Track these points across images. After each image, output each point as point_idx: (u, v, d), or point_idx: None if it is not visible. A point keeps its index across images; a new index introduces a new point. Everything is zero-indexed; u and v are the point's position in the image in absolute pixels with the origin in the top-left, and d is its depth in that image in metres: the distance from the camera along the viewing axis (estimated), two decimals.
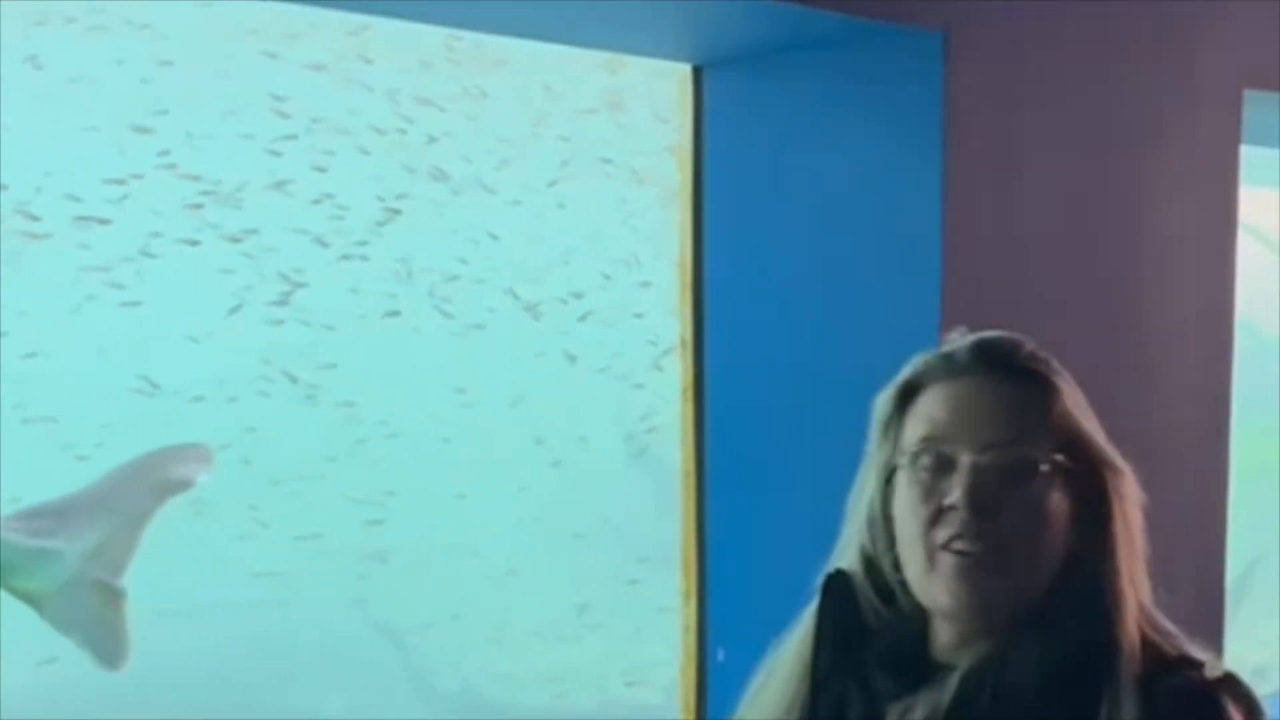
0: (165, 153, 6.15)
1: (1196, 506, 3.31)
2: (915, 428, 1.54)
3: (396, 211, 6.78)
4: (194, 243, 6.26)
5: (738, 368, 3.02)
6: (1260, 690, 1.52)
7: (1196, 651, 1.49)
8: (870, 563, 1.57)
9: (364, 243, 6.71)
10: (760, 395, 2.98)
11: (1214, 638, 3.23)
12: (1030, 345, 1.57)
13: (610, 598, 7.75)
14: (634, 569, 7.44)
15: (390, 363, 6.97)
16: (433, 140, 6.83)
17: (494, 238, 7.10)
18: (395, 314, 6.94)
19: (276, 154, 6.34)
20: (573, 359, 7.40)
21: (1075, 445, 1.51)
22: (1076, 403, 1.53)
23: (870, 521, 1.57)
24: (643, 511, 7.03)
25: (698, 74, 2.98)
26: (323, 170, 6.46)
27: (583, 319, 7.36)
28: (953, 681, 1.50)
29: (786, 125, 2.89)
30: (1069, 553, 1.50)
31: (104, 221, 6.03)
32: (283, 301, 6.55)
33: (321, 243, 6.55)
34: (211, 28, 6.17)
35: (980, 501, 1.49)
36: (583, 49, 2.97)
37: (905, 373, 1.58)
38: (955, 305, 2.63)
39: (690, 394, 3.06)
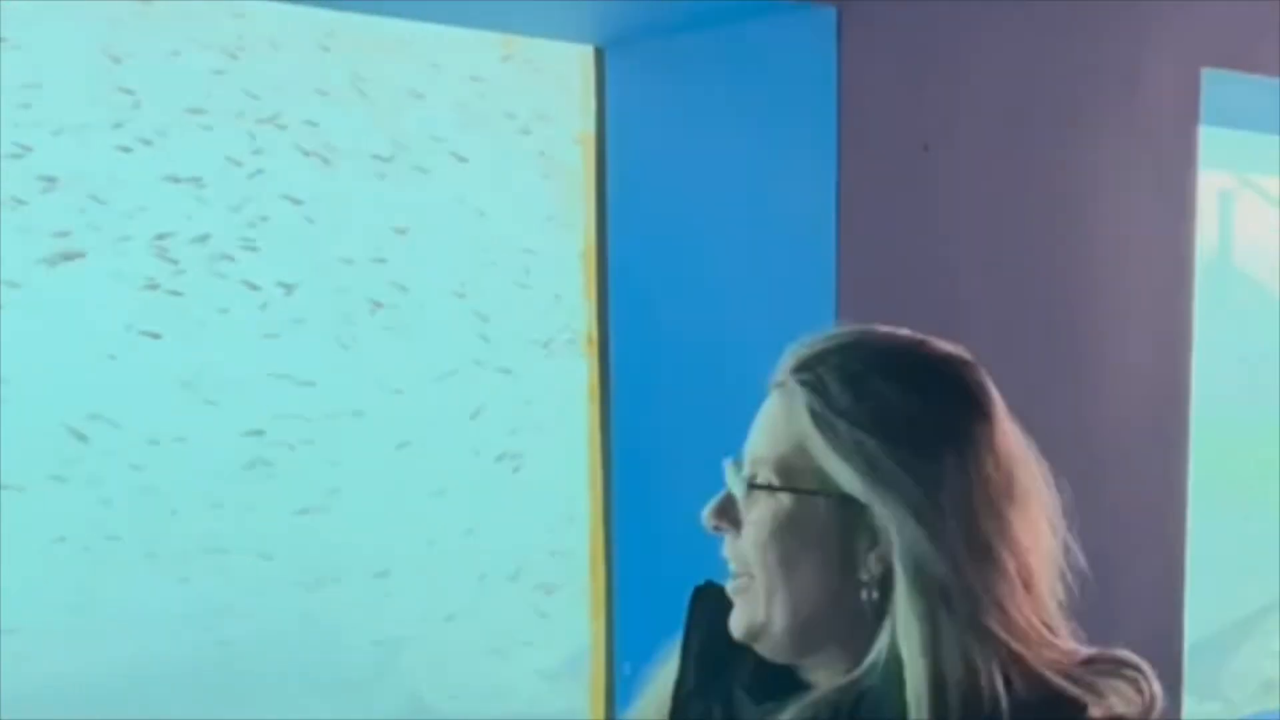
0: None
1: (1150, 520, 3.11)
2: None
3: None
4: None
5: (643, 364, 2.87)
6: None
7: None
8: None
9: None
10: (666, 394, 2.82)
11: (1172, 666, 3.07)
12: (801, 351, 1.40)
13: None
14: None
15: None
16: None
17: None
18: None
19: None
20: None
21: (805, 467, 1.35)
22: (832, 423, 1.35)
23: None
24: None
25: (599, 55, 2.83)
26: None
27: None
28: (807, 705, 1.35)
29: (687, 107, 2.73)
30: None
31: None
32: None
33: None
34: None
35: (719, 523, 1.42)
36: (478, 30, 2.82)
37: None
38: (852, 299, 2.46)
39: (596, 394, 2.92)
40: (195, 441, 7.11)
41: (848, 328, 1.43)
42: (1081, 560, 1.36)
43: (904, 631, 1.29)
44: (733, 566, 1.41)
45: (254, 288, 6.98)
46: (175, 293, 6.87)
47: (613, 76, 2.82)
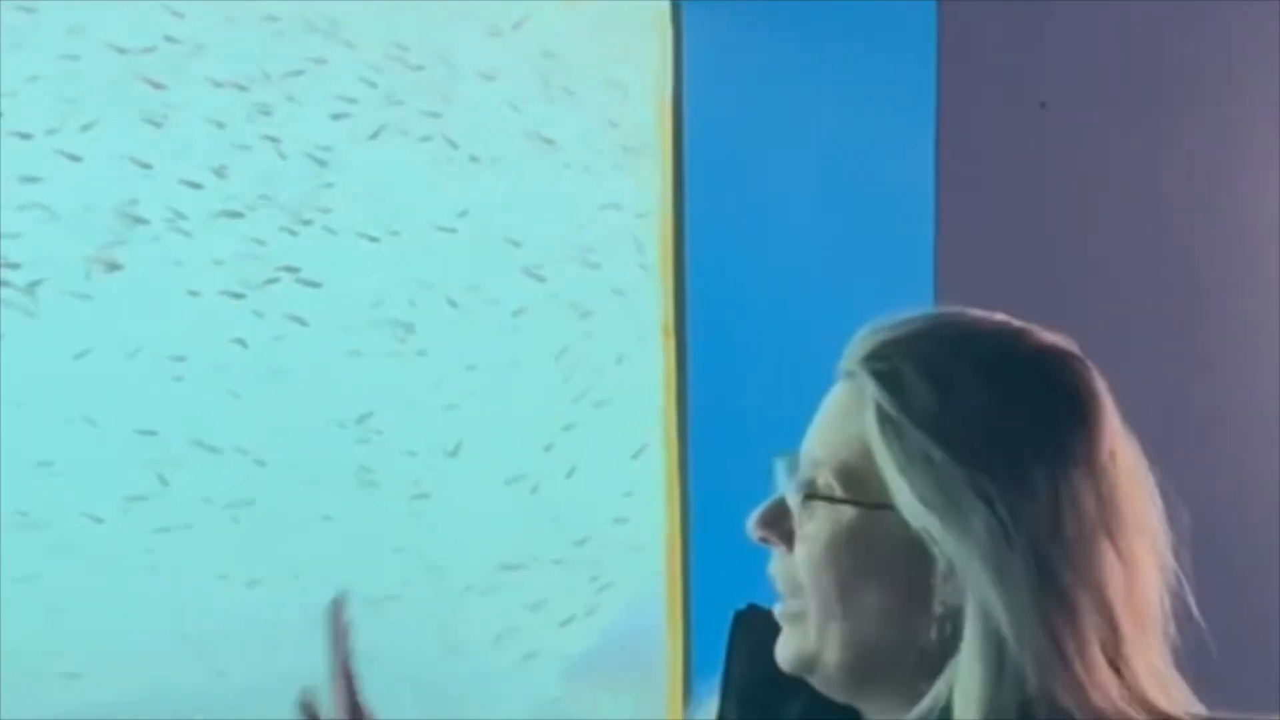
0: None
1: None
2: None
3: None
4: None
5: (723, 355, 2.59)
6: None
7: None
8: None
9: None
10: (747, 388, 2.54)
11: None
12: (878, 336, 1.17)
13: None
14: None
15: None
16: None
17: None
18: None
19: None
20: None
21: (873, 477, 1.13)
22: (895, 424, 1.13)
23: None
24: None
25: (676, 11, 2.56)
26: None
27: None
28: None
29: (769, 67, 2.45)
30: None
31: None
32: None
33: None
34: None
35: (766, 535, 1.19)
36: None
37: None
38: (952, 278, 2.17)
39: (672, 387, 2.64)
40: None
41: (935, 310, 1.20)
42: (1194, 606, 1.12)
43: (962, 682, 1.07)
44: (781, 587, 1.19)
45: None
46: None
47: (690, 33, 2.55)
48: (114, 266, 5.94)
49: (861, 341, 1.17)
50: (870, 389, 1.14)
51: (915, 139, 2.20)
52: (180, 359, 6.11)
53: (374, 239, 6.28)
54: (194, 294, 6.06)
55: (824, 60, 2.35)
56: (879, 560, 1.12)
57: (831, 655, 1.14)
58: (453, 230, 6.35)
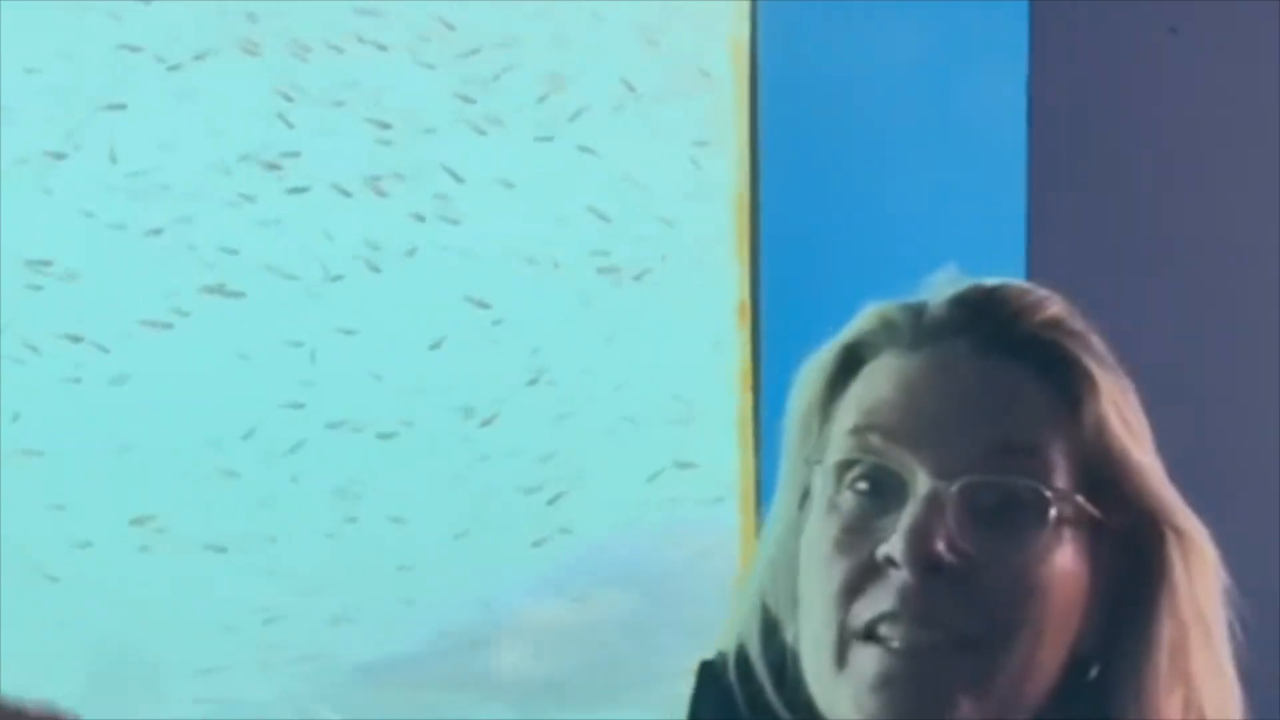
0: None
1: None
2: (846, 419, 0.97)
3: None
4: None
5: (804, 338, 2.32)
6: None
7: None
8: (771, 629, 1.00)
9: None
10: None
11: None
12: (1055, 302, 0.98)
13: None
14: None
15: None
16: None
17: None
18: None
19: None
20: None
21: (1113, 479, 0.92)
22: (1123, 408, 0.94)
23: (774, 566, 1.00)
24: None
25: None
26: None
27: None
28: None
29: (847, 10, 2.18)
30: (1076, 656, 0.92)
31: None
32: None
33: None
34: None
35: (937, 559, 0.89)
36: None
37: (847, 331, 1.01)
38: (1048, 239, 1.88)
39: (749, 375, 2.38)
40: None
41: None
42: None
43: None
44: (919, 615, 0.89)
45: None
46: None
47: None
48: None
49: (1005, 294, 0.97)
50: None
51: (1007, 76, 1.91)
52: None
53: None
54: None
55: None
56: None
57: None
58: None
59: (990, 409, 0.91)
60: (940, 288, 0.99)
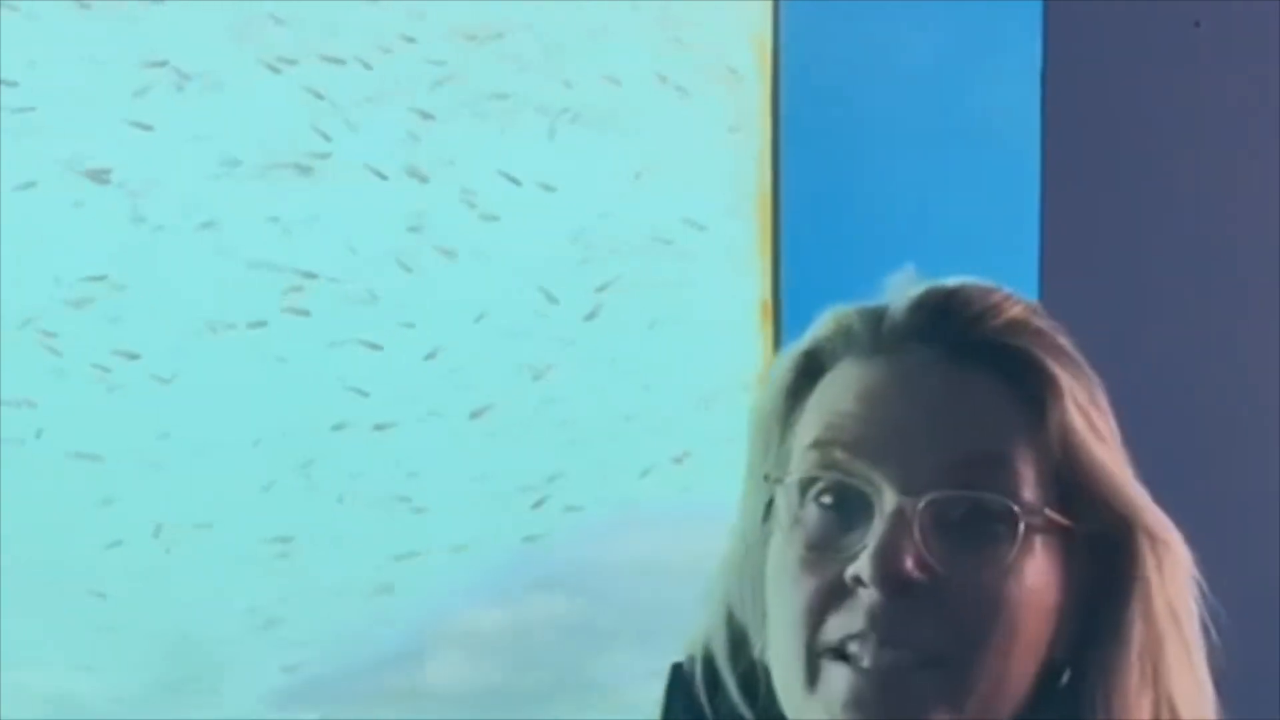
0: None
1: None
2: (807, 433, 0.93)
3: None
4: None
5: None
6: None
7: None
8: (739, 640, 0.98)
9: None
10: None
11: None
12: (1016, 302, 0.94)
13: None
14: None
15: None
16: None
17: None
18: None
19: None
20: None
21: (1081, 484, 0.90)
22: (1088, 411, 0.92)
23: (740, 575, 0.98)
24: None
25: None
26: None
27: None
28: None
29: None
30: (1049, 662, 0.91)
31: None
32: None
33: None
34: None
35: (906, 579, 0.87)
36: None
37: (805, 337, 0.97)
38: (1061, 235, 1.88)
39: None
40: None
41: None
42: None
43: None
44: (888, 635, 0.88)
45: None
46: None
47: None
48: None
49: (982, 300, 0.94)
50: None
51: (1021, 72, 1.92)
52: None
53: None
54: None
55: None
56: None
57: None
58: None
59: (954, 420, 0.90)
60: (899, 290, 0.95)
